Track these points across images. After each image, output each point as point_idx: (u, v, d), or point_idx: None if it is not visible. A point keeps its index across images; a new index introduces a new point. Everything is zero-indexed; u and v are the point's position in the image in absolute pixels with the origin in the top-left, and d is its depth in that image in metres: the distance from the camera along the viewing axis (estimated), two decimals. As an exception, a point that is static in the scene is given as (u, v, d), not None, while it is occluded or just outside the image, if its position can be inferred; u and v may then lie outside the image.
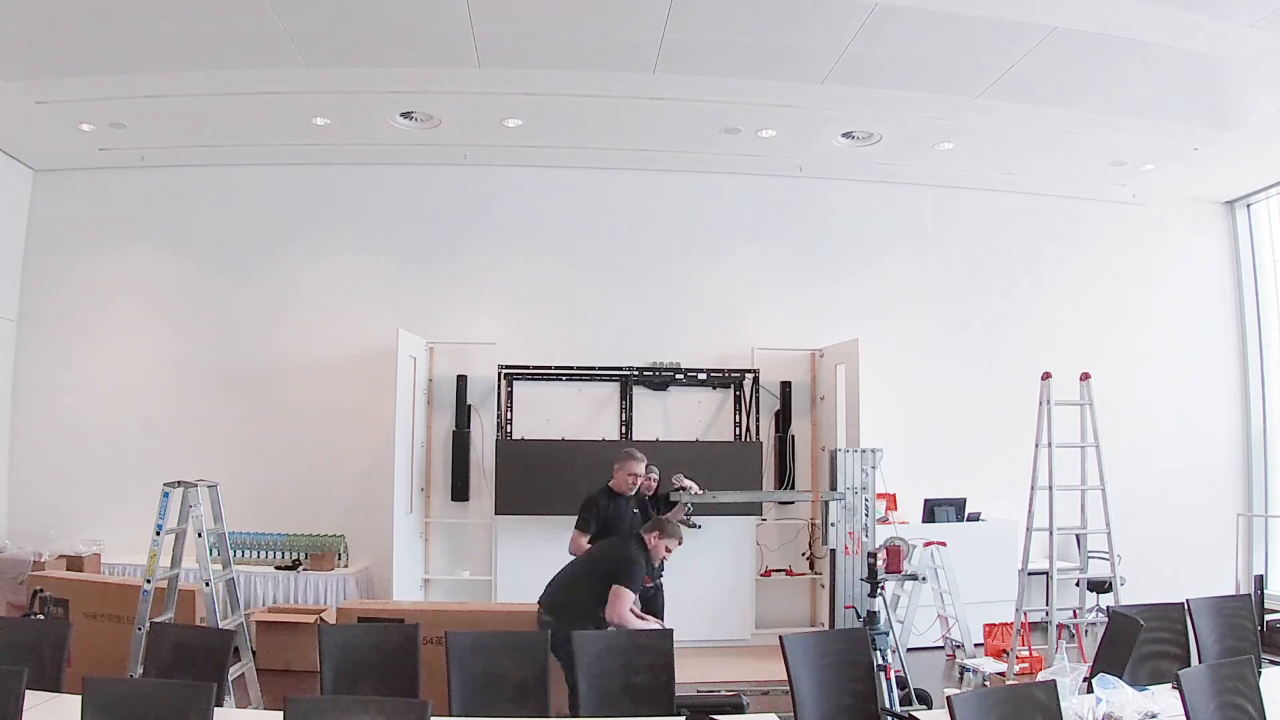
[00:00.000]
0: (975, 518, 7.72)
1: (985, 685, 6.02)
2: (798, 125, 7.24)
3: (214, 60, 6.12)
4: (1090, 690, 3.48)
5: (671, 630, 3.99)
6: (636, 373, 7.88)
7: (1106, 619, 4.58)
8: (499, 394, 7.76)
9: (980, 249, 8.63)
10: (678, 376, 7.90)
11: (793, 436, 8.02)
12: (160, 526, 5.03)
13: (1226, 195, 8.94)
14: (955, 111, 6.87)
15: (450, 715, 3.68)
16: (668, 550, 5.11)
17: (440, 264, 8.13)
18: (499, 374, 7.77)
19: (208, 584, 4.99)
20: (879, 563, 5.35)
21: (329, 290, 8.07)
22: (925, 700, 5.57)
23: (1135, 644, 3.95)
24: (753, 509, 7.48)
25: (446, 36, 5.83)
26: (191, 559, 5.35)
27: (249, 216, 8.09)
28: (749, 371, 7.96)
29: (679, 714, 3.98)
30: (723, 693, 5.50)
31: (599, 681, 3.83)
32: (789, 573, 7.92)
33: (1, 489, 7.71)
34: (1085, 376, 6.36)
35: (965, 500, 7.72)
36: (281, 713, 2.89)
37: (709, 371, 7.94)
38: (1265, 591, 7.42)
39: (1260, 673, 3.62)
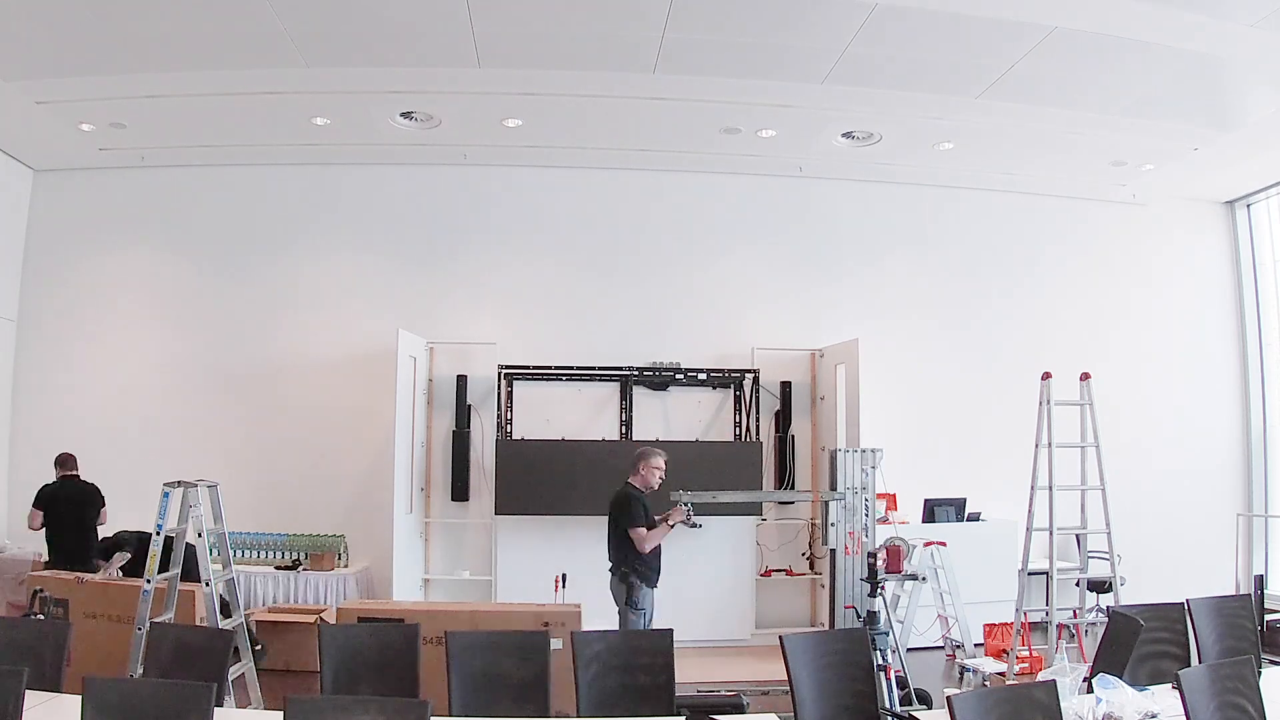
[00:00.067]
0: (975, 518, 7.72)
1: (985, 685, 6.02)
2: (798, 125, 7.24)
3: (214, 60, 6.13)
4: (1090, 690, 3.47)
5: (671, 630, 3.98)
6: (636, 373, 7.88)
7: (1106, 619, 4.58)
8: (499, 394, 7.76)
9: (980, 249, 8.63)
10: (678, 376, 7.90)
11: (793, 436, 8.02)
12: (160, 526, 5.02)
13: (1226, 195, 8.94)
14: (955, 111, 6.87)
15: (450, 715, 3.67)
16: (657, 469, 5.73)
17: (440, 264, 8.13)
18: (499, 374, 7.77)
19: (208, 584, 4.99)
20: (879, 563, 5.35)
21: (329, 290, 8.07)
22: (925, 700, 5.57)
23: (1135, 644, 3.95)
24: (753, 509, 7.48)
25: (446, 36, 5.83)
26: (191, 559, 5.35)
27: (249, 216, 8.10)
28: (749, 371, 7.96)
29: (679, 714, 3.98)
30: (723, 693, 5.50)
31: (599, 681, 3.83)
32: (789, 573, 7.92)
33: (1, 489, 7.71)
34: (1085, 376, 6.36)
35: (965, 500, 7.72)
36: (281, 713, 2.89)
37: (709, 371, 7.94)
38: (1265, 591, 7.42)
39: (1260, 673, 3.62)
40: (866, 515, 5.71)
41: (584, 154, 7.90)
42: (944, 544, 6.83)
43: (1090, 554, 6.65)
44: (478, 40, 5.87)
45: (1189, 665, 4.15)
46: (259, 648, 5.58)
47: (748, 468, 7.47)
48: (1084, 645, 6.29)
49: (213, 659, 3.74)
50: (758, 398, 7.96)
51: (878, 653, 4.51)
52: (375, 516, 7.13)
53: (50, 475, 6.84)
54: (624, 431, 7.82)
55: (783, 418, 8.05)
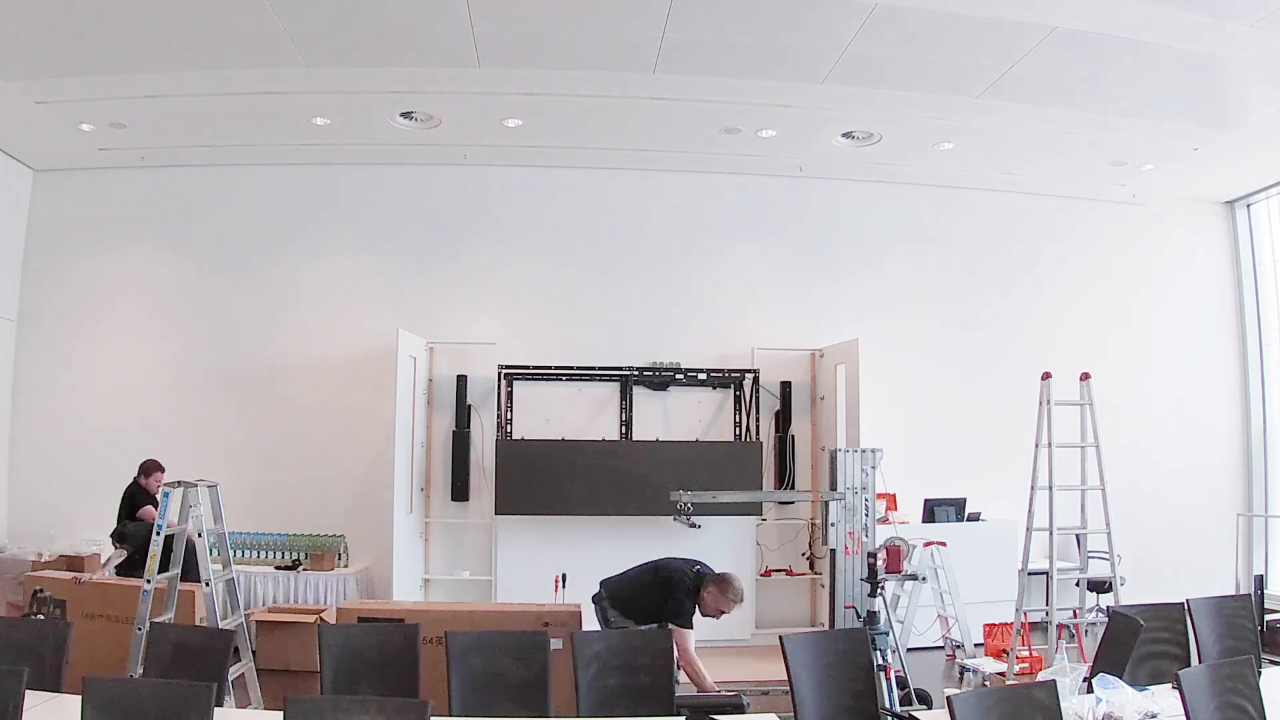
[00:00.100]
0: (975, 518, 7.72)
1: (985, 685, 6.02)
2: (798, 125, 7.24)
3: (214, 60, 6.13)
4: (1090, 690, 3.47)
5: (671, 630, 3.98)
6: (636, 373, 7.88)
7: (1106, 619, 4.58)
8: (499, 394, 7.76)
9: (980, 249, 8.63)
10: (678, 376, 7.90)
11: (793, 436, 8.02)
12: (160, 526, 5.02)
13: (1226, 195, 8.94)
14: (955, 111, 6.87)
15: (450, 715, 3.67)
16: (719, 612, 5.16)
17: (440, 264, 8.13)
18: (499, 374, 7.77)
19: (208, 584, 4.99)
20: (879, 563, 5.35)
21: (329, 290, 8.07)
22: (925, 700, 5.57)
23: (1135, 644, 3.95)
24: (753, 509, 7.48)
25: (446, 36, 5.83)
26: (191, 559, 5.35)
27: (249, 216, 8.10)
28: (749, 371, 7.96)
29: (679, 714, 3.98)
30: (723, 693, 5.50)
31: (599, 681, 3.83)
32: (789, 573, 7.92)
33: (1, 489, 7.71)
34: (1085, 376, 6.36)
35: (965, 500, 7.72)
36: (281, 713, 2.89)
37: (709, 371, 7.94)
38: (1265, 591, 7.42)
39: (1260, 673, 3.62)
40: (866, 515, 5.70)
41: (584, 154, 7.90)
42: (944, 544, 6.83)
43: (1090, 554, 6.65)
44: (478, 40, 5.87)
45: (1189, 665, 4.15)
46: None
47: (748, 468, 7.47)
48: (1084, 645, 6.29)
49: (213, 659, 3.74)
50: (758, 398, 7.96)
51: (878, 653, 4.51)
52: (375, 516, 7.13)
53: (50, 475, 6.88)
54: (624, 431, 7.82)
55: (783, 418, 8.05)
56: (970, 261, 8.60)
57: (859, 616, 5.30)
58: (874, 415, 7.33)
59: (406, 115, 7.05)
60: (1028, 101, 6.65)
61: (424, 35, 5.84)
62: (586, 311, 8.14)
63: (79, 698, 2.95)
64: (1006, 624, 6.40)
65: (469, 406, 7.80)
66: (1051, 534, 6.04)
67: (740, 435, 7.92)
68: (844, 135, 7.42)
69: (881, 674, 4.55)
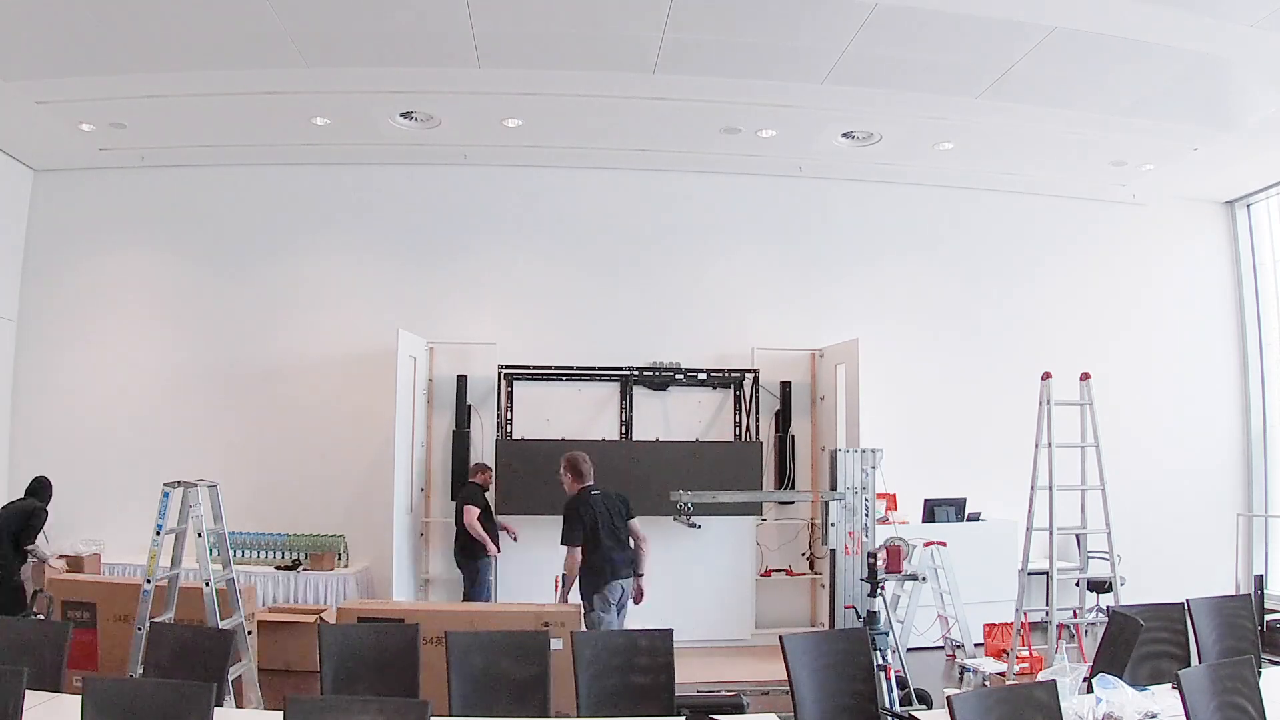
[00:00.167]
0: (975, 518, 7.72)
1: (985, 685, 6.02)
2: (798, 125, 7.24)
3: (214, 60, 6.12)
4: (1090, 690, 3.48)
5: (671, 630, 3.98)
6: (636, 373, 7.88)
7: (1106, 619, 4.58)
8: (499, 394, 7.76)
9: (980, 249, 8.63)
10: (678, 376, 7.90)
11: (793, 436, 8.02)
12: (160, 526, 5.02)
13: (1226, 195, 8.94)
14: (955, 111, 6.87)
15: (450, 715, 3.67)
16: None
17: (440, 264, 8.13)
18: (499, 374, 7.77)
19: (208, 584, 4.99)
20: (879, 563, 5.35)
21: (329, 290, 8.07)
22: (925, 700, 5.57)
23: (1135, 644, 3.95)
24: (753, 509, 7.48)
25: (446, 36, 5.83)
26: (191, 559, 5.35)
27: (249, 216, 8.10)
28: (749, 371, 7.96)
29: (679, 714, 3.98)
30: (723, 693, 5.50)
31: (599, 681, 3.83)
32: (789, 573, 7.92)
33: (1, 489, 7.70)
34: (1085, 376, 6.36)
35: (965, 500, 7.72)
36: (281, 713, 2.89)
37: (709, 371, 7.94)
38: (1265, 591, 7.42)
39: (1260, 673, 3.62)
40: (866, 515, 5.71)
41: (584, 154, 7.90)
42: (944, 544, 6.83)
43: (1090, 554, 6.66)
44: (478, 40, 5.87)
45: (1189, 665, 4.16)
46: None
47: (748, 468, 7.47)
48: (1084, 645, 6.29)
49: (213, 659, 3.74)
50: (758, 398, 7.96)
51: (878, 653, 4.51)
52: (375, 516, 7.13)
53: (50, 474, 6.87)
54: (624, 431, 7.82)
55: (783, 418, 8.05)
56: (970, 261, 8.60)
57: (859, 616, 5.30)
58: (874, 415, 7.33)
59: (406, 115, 7.05)
60: (1028, 101, 6.65)
61: (424, 35, 5.84)
62: (586, 311, 8.14)
63: (79, 698, 2.95)
64: (1006, 624, 6.41)
65: (469, 406, 7.80)
66: (1051, 534, 6.04)
67: (740, 435, 7.92)
68: (844, 135, 7.42)
69: (881, 674, 4.55)
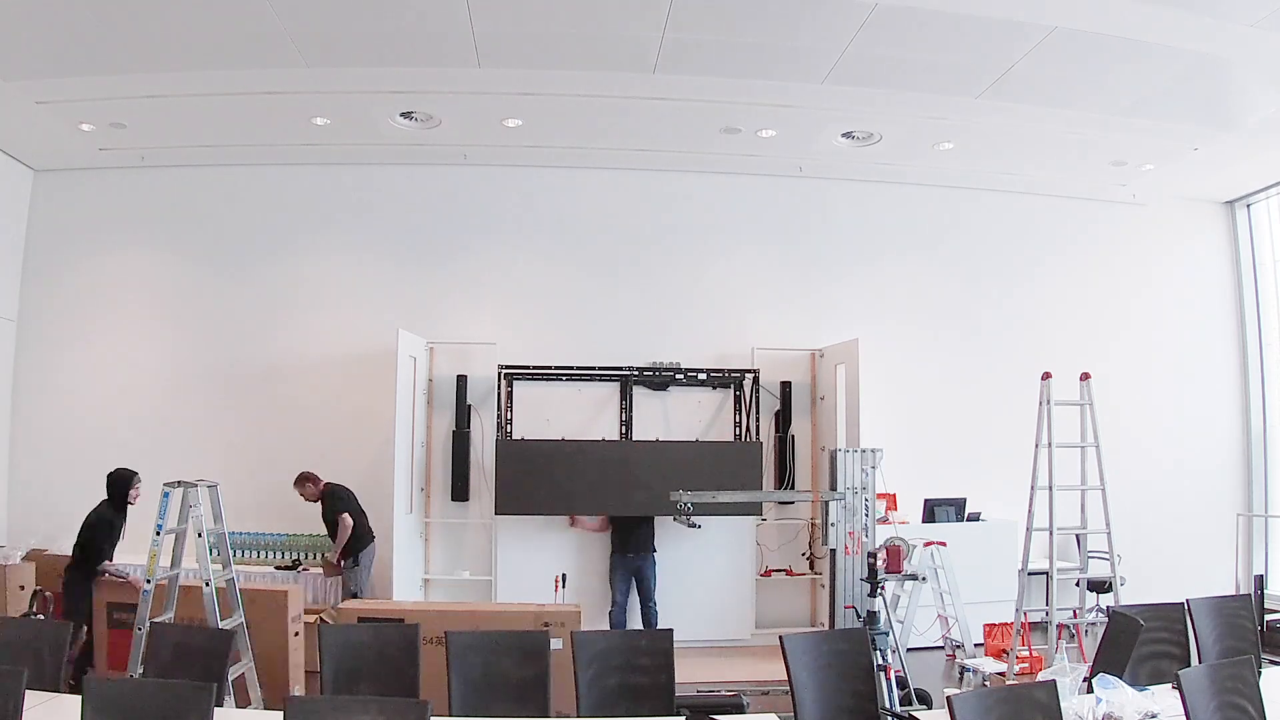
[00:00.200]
0: (975, 518, 7.72)
1: (985, 685, 6.02)
2: (798, 125, 7.24)
3: (214, 60, 6.12)
4: (1090, 690, 3.48)
5: (671, 630, 3.98)
6: (636, 373, 7.88)
7: (1106, 619, 4.58)
8: (499, 394, 7.76)
9: (980, 249, 8.63)
10: (678, 376, 7.90)
11: (793, 436, 8.02)
12: (160, 526, 5.02)
13: (1226, 195, 8.94)
14: (955, 111, 6.87)
15: (450, 715, 3.68)
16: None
17: (440, 264, 8.13)
18: (499, 374, 7.77)
19: (208, 584, 4.99)
20: (879, 563, 5.35)
21: (329, 290, 8.07)
22: (925, 700, 5.58)
23: (1135, 644, 3.95)
24: (753, 509, 7.48)
25: (446, 36, 5.82)
26: (191, 559, 5.35)
27: (249, 216, 8.10)
28: (749, 371, 7.96)
29: (679, 714, 3.98)
30: (723, 693, 5.50)
31: (599, 681, 3.83)
32: (789, 573, 7.92)
33: (1, 489, 7.70)
34: (1085, 376, 6.36)
35: (965, 500, 7.72)
36: (281, 713, 2.89)
37: (709, 371, 7.94)
38: (1265, 591, 7.43)
39: (1260, 673, 3.62)
40: (866, 515, 5.71)
41: (584, 154, 7.90)
42: (944, 544, 6.83)
43: (1090, 554, 6.66)
44: (478, 40, 5.87)
45: (1189, 665, 4.16)
46: None
47: (748, 468, 7.47)
48: (1084, 645, 6.29)
49: (213, 659, 3.74)
50: (758, 398, 7.96)
51: (878, 653, 4.52)
52: (375, 516, 7.13)
53: (50, 475, 6.87)
54: (624, 431, 7.82)
55: (783, 418, 8.05)
56: (970, 261, 8.60)
57: (859, 616, 5.30)
58: (874, 415, 7.33)
59: (406, 115, 7.05)
60: (1028, 101, 6.65)
61: (424, 35, 5.84)
62: (586, 311, 8.14)
63: (79, 698, 2.95)
64: (1006, 624, 6.41)
65: (469, 406, 7.80)
66: (1051, 534, 6.04)
67: (740, 435, 7.92)
68: (844, 135, 7.42)
69: (881, 674, 4.55)
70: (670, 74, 6.31)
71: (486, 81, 6.45)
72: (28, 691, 3.09)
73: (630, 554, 7.25)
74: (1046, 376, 6.23)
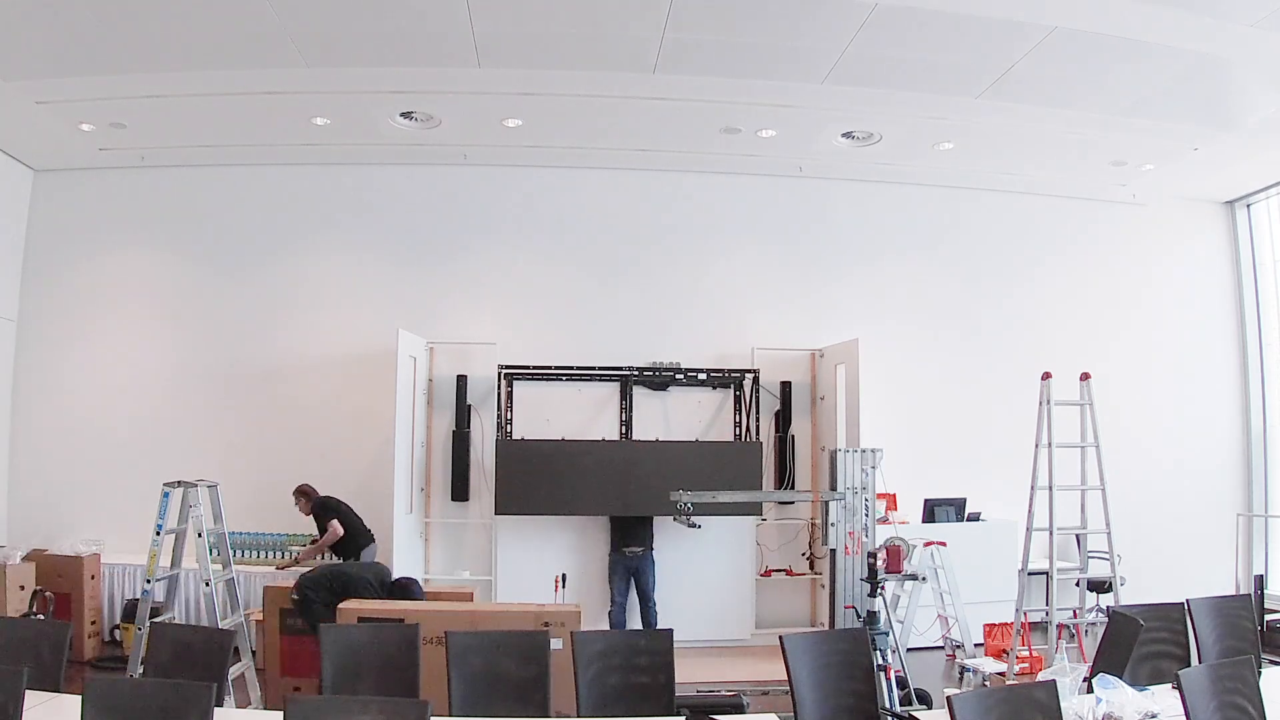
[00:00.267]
0: (975, 518, 7.72)
1: (985, 685, 6.02)
2: (798, 125, 7.24)
3: (214, 60, 6.12)
4: (1090, 690, 3.48)
5: (671, 630, 3.98)
6: (636, 373, 7.88)
7: (1106, 619, 4.58)
8: (499, 394, 7.76)
9: (980, 249, 8.63)
10: (678, 376, 7.90)
11: (793, 436, 8.02)
12: (160, 526, 5.03)
13: (1226, 195, 8.94)
14: (955, 111, 6.87)
15: (450, 715, 3.68)
16: None
17: (440, 264, 8.13)
18: (499, 374, 7.77)
19: (208, 584, 5.00)
20: (879, 563, 5.35)
21: (329, 290, 8.07)
22: (925, 700, 5.57)
23: (1135, 644, 3.95)
24: (753, 509, 7.48)
25: (446, 36, 5.82)
26: (191, 559, 5.36)
27: (249, 216, 8.09)
28: (749, 371, 7.96)
29: (679, 714, 3.98)
30: (723, 693, 5.50)
31: (599, 681, 3.83)
32: (789, 573, 7.92)
33: (1, 489, 7.70)
34: (1085, 376, 6.36)
35: (965, 500, 7.72)
36: (281, 713, 2.89)
37: (709, 371, 7.94)
38: (1265, 591, 7.43)
39: (1260, 673, 3.62)
40: (866, 515, 5.71)
41: (584, 154, 7.90)
42: (944, 544, 6.83)
43: (1090, 554, 6.66)
44: (478, 40, 5.87)
45: (1189, 665, 4.16)
46: None
47: (748, 468, 7.47)
48: (1084, 645, 6.29)
49: (213, 659, 3.74)
50: (758, 398, 7.96)
51: (878, 653, 4.51)
52: (375, 516, 7.13)
53: (50, 475, 6.88)
54: (624, 432, 7.82)
55: (783, 418, 8.05)
56: (970, 261, 8.60)
57: (859, 616, 5.30)
58: (874, 415, 7.33)
59: (406, 115, 7.05)
60: (1028, 101, 6.65)
61: (424, 35, 5.84)
62: (586, 311, 8.14)
63: (79, 698, 2.95)
64: (1006, 624, 6.41)
65: (469, 406, 7.80)
66: (1051, 534, 6.04)
67: (740, 435, 7.92)
68: (844, 135, 7.42)
69: (881, 674, 4.55)
70: (670, 74, 6.31)
71: (486, 81, 6.45)
72: (28, 691, 3.09)
73: (628, 553, 7.26)
74: (1046, 376, 6.23)
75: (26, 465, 7.77)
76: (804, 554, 8.00)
